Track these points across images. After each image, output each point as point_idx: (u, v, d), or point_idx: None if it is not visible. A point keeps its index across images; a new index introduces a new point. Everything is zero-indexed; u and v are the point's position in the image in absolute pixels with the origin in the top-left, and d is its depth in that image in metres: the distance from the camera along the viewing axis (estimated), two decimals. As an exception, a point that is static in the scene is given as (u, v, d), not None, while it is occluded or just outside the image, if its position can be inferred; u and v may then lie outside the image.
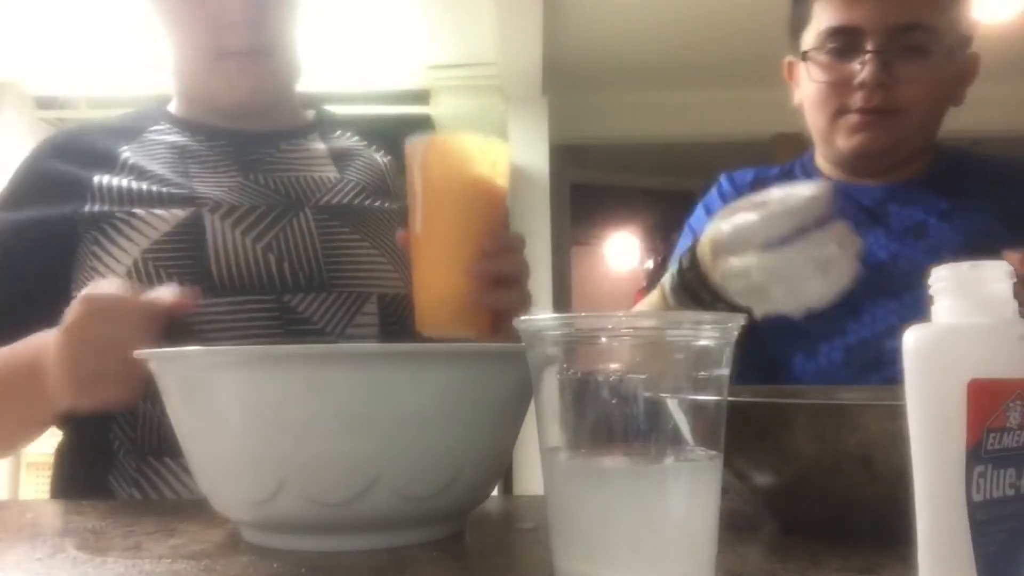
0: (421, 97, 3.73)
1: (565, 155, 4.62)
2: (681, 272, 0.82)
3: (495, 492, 0.65)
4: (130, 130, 0.97)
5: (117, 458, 0.85)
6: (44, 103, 3.59)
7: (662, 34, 3.63)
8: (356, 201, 0.94)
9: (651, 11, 3.42)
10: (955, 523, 0.35)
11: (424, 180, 0.73)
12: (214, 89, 0.94)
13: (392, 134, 1.03)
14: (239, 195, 0.90)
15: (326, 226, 0.91)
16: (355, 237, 0.91)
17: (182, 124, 0.98)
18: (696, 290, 0.79)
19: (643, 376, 0.42)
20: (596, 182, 5.51)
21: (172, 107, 1.02)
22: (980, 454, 0.35)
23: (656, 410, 0.42)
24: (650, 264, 6.27)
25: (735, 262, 0.74)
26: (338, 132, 1.04)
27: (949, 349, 0.36)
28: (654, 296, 0.90)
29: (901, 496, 0.38)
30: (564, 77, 3.88)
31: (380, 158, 1.02)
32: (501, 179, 0.74)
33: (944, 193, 1.11)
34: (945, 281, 0.38)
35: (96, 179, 0.90)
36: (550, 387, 0.44)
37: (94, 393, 0.73)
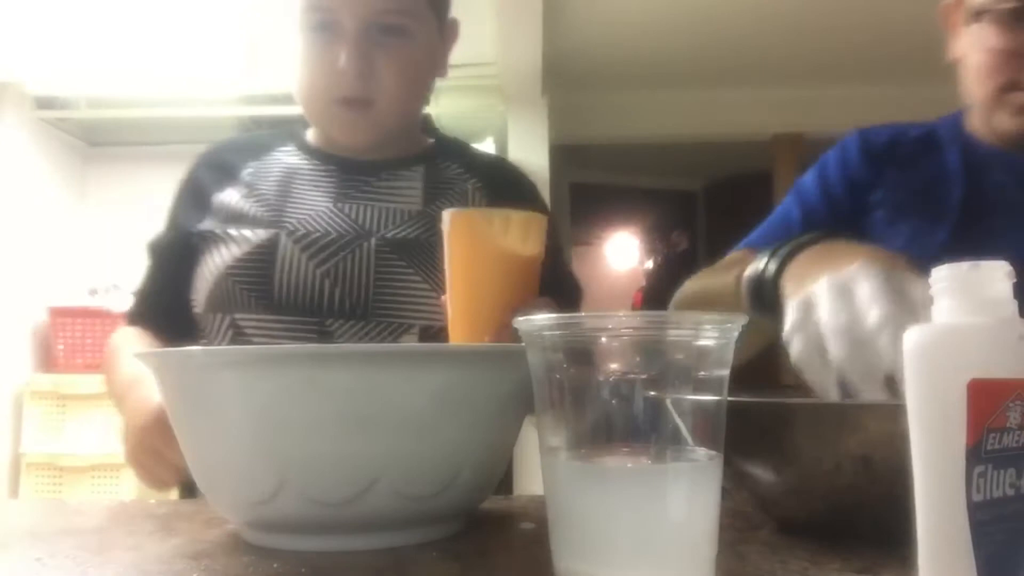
0: (421, 97, 3.73)
1: (565, 155, 4.62)
2: (761, 292, 0.78)
3: (495, 492, 0.65)
4: (262, 147, 1.08)
5: None
6: (44, 103, 3.59)
7: (662, 34, 3.63)
8: (423, 236, 1.00)
9: (651, 11, 3.42)
10: (955, 523, 0.35)
11: (448, 252, 0.77)
12: (326, 129, 1.04)
13: (494, 171, 1.12)
14: (320, 222, 0.99)
15: (385, 258, 0.97)
16: (409, 271, 0.97)
17: (304, 147, 1.09)
18: (767, 309, 0.77)
19: (643, 376, 0.42)
20: (596, 182, 5.51)
21: (308, 131, 1.11)
22: (980, 454, 0.35)
23: (656, 410, 0.42)
24: (650, 264, 6.26)
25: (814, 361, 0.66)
26: (446, 163, 1.10)
27: (949, 349, 0.36)
28: (727, 281, 0.87)
29: (901, 496, 0.38)
30: (564, 77, 3.88)
31: (473, 195, 1.08)
32: (530, 251, 0.77)
33: None
34: (945, 281, 0.38)
35: (216, 196, 1.03)
36: (550, 387, 0.44)
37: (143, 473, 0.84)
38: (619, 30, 3.56)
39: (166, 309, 1.02)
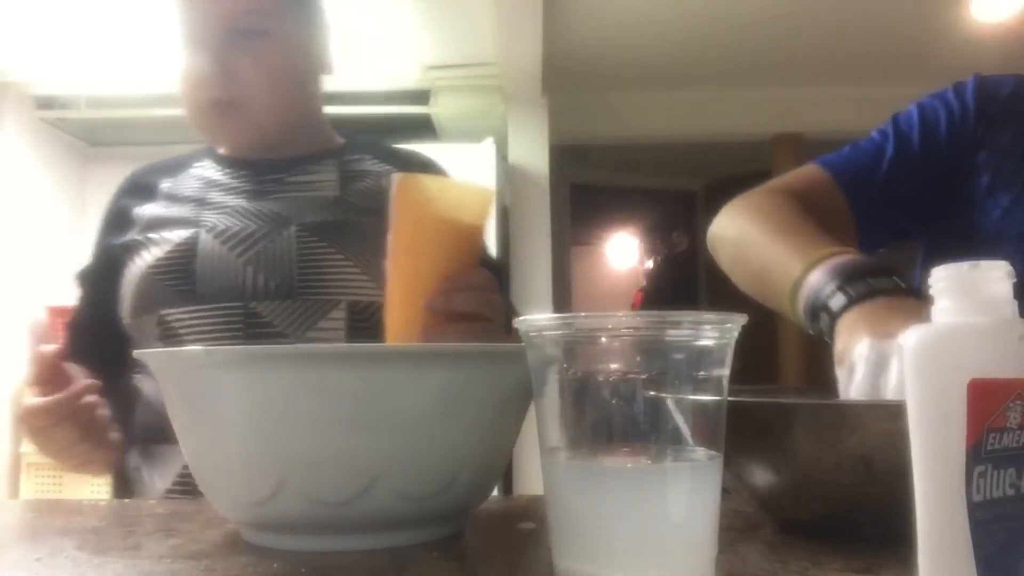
0: (421, 97, 3.73)
1: (565, 155, 4.63)
2: (817, 321, 0.76)
3: (495, 492, 0.65)
4: (178, 166, 1.12)
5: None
6: (44, 103, 3.59)
7: (662, 34, 3.63)
8: (342, 218, 1.03)
9: (651, 11, 3.42)
10: (955, 523, 0.35)
11: (392, 216, 0.78)
12: (207, 136, 1.08)
13: (410, 160, 1.15)
14: (238, 218, 1.03)
15: (306, 241, 1.01)
16: (331, 250, 1.00)
17: (217, 159, 1.12)
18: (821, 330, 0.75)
19: (643, 376, 0.42)
20: (596, 182, 5.51)
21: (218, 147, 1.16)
22: (980, 454, 0.35)
23: (656, 410, 0.42)
24: (650, 264, 6.26)
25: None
26: (358, 156, 1.13)
27: (949, 349, 0.36)
28: (788, 272, 0.80)
29: (901, 496, 0.38)
30: (564, 77, 3.88)
31: (387, 175, 1.08)
32: (471, 220, 0.77)
33: None
34: (945, 281, 0.38)
35: (136, 211, 1.07)
36: (550, 387, 0.44)
37: (71, 464, 0.93)
38: (619, 30, 3.56)
39: (100, 335, 1.05)
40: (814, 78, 4.14)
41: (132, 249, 1.03)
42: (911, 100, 1.03)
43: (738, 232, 0.97)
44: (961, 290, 0.37)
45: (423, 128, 3.82)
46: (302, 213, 1.03)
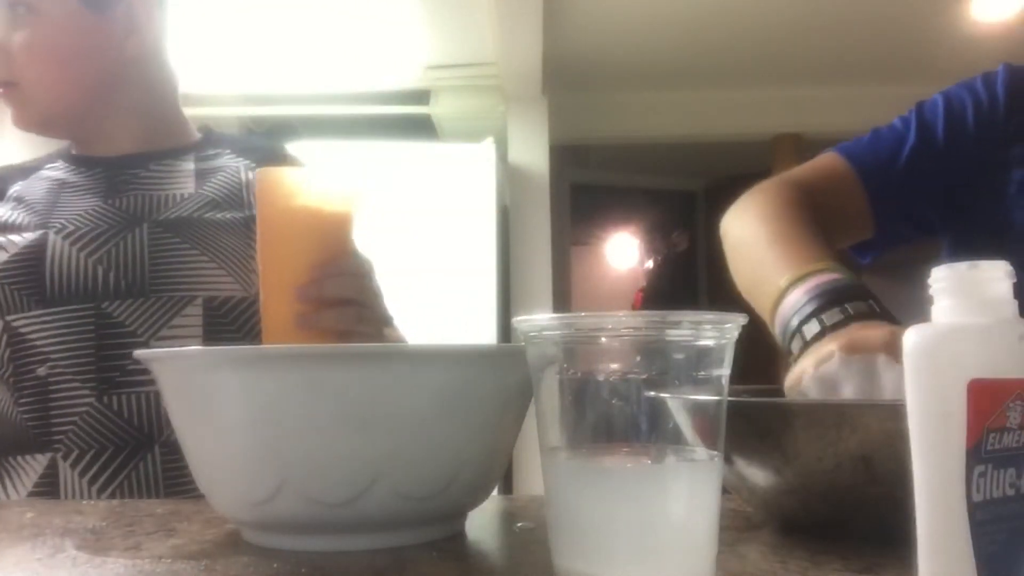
0: (421, 97, 3.73)
1: (565, 155, 4.63)
2: (784, 339, 0.76)
3: (495, 492, 0.65)
4: (29, 170, 1.09)
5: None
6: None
7: (662, 34, 3.63)
8: (197, 214, 1.02)
9: (651, 11, 3.42)
10: (955, 523, 0.35)
11: (258, 209, 0.79)
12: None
13: (269, 153, 1.14)
14: (88, 218, 1.00)
15: (159, 238, 0.99)
16: (185, 246, 0.99)
17: (70, 159, 1.10)
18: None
19: (643, 376, 0.42)
20: (596, 182, 5.51)
21: (72, 147, 1.13)
22: (980, 454, 0.35)
23: (656, 410, 0.42)
24: (650, 264, 6.27)
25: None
26: (215, 151, 1.12)
27: (949, 349, 0.36)
28: (775, 284, 0.80)
29: (901, 496, 0.38)
30: (564, 77, 3.88)
31: (244, 173, 1.10)
32: (336, 207, 0.79)
33: None
34: (945, 281, 0.38)
35: None
36: (550, 387, 0.44)
37: None
38: (619, 30, 3.56)
39: None
40: (814, 78, 4.14)
41: None
42: (911, 100, 1.02)
43: (739, 233, 0.95)
44: (961, 290, 0.37)
45: (423, 128, 3.83)
46: (155, 210, 1.02)
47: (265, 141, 1.20)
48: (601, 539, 0.42)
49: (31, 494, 0.93)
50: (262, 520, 0.56)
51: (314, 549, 0.54)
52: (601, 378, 0.42)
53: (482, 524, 0.63)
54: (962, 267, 0.37)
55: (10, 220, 1.01)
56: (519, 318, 0.45)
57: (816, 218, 0.89)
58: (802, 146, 4.46)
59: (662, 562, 0.42)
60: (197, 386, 0.55)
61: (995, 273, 0.37)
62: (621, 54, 3.82)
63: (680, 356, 0.42)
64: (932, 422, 0.36)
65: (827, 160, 0.99)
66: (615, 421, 0.42)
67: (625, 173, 5.63)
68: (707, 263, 5.88)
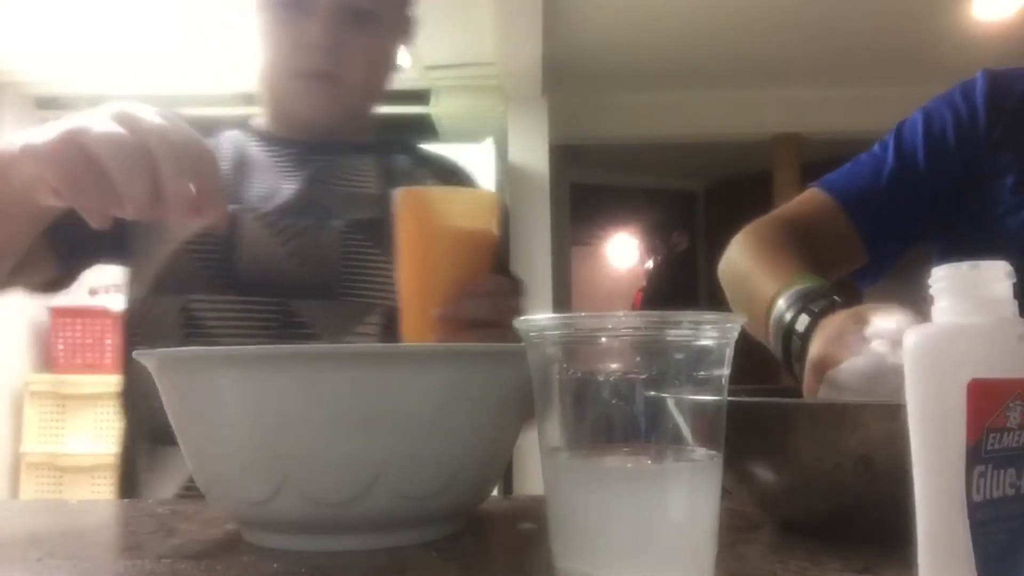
0: (421, 97, 3.73)
1: (565, 155, 4.63)
2: (788, 346, 0.76)
3: (495, 492, 0.65)
4: (209, 129, 1.03)
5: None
6: (44, 103, 3.59)
7: (662, 34, 3.63)
8: (384, 217, 0.99)
9: (651, 11, 3.42)
10: (955, 523, 0.35)
11: (398, 230, 0.77)
12: (288, 104, 1.02)
13: (440, 166, 1.12)
14: (283, 201, 0.96)
15: (351, 238, 0.96)
16: (376, 251, 0.96)
17: (253, 132, 1.07)
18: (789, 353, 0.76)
19: (643, 376, 0.42)
20: (596, 182, 5.51)
21: (255, 121, 1.11)
22: (980, 454, 0.35)
23: (656, 410, 0.42)
24: (650, 264, 6.27)
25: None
26: (396, 155, 1.10)
27: (949, 349, 0.36)
28: (764, 300, 0.81)
29: (901, 496, 0.38)
30: (564, 77, 3.88)
31: (423, 179, 1.07)
32: (478, 226, 0.76)
33: None
34: (945, 281, 0.38)
35: None
36: (550, 387, 0.44)
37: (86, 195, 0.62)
38: (619, 30, 3.56)
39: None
40: (814, 78, 4.14)
41: None
42: (911, 100, 1.01)
43: (733, 270, 0.98)
44: (961, 290, 0.37)
45: (423, 128, 3.82)
46: (346, 207, 0.98)
47: (438, 155, 1.18)
48: (601, 539, 0.42)
49: (181, 493, 0.88)
50: (262, 520, 0.56)
51: (314, 549, 0.54)
52: (601, 378, 0.42)
53: (482, 524, 0.63)
54: (962, 267, 0.37)
55: None
56: (519, 318, 0.45)
57: (805, 251, 0.92)
58: (802, 146, 4.46)
59: (662, 562, 0.42)
60: (197, 386, 0.55)
61: (995, 273, 0.37)
62: (621, 54, 3.82)
63: (680, 356, 0.42)
64: (932, 422, 0.36)
65: (810, 196, 1.02)
66: (615, 421, 0.42)
67: (625, 173, 5.63)
68: (707, 263, 5.88)
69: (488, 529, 0.62)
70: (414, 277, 0.77)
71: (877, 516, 0.52)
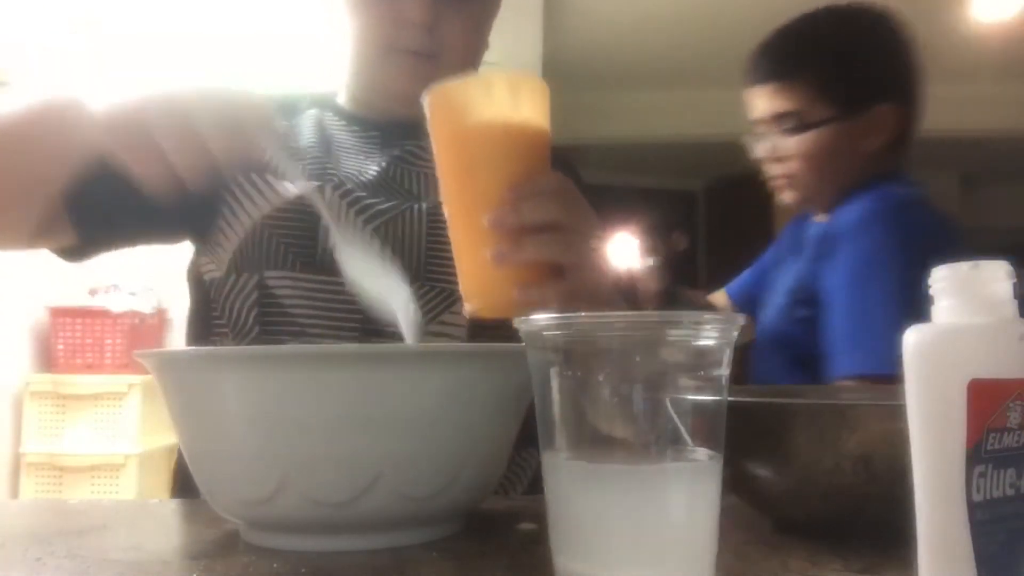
0: (421, 97, 3.72)
1: (565, 155, 4.62)
2: None
3: (495, 492, 0.65)
4: (292, 107, 1.01)
5: None
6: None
7: (662, 34, 3.63)
8: None
9: (651, 11, 3.42)
10: (955, 523, 0.35)
11: (433, 141, 0.67)
12: (381, 81, 0.98)
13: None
14: (366, 180, 0.93)
15: (437, 222, 0.91)
16: None
17: (338, 112, 1.02)
18: None
19: (643, 376, 0.42)
20: (596, 182, 5.50)
21: (338, 98, 1.06)
22: (980, 454, 0.35)
23: (656, 410, 0.42)
24: (650, 264, 6.26)
25: None
26: None
27: (949, 349, 0.36)
28: None
29: (901, 496, 0.38)
30: (564, 77, 3.88)
31: None
32: (524, 116, 0.66)
33: None
34: (945, 281, 0.38)
35: None
36: (550, 387, 0.44)
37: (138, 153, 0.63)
38: (619, 30, 3.56)
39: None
40: (814, 78, 4.14)
41: (236, 191, 0.89)
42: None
43: None
44: (961, 290, 0.37)
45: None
46: (429, 190, 0.94)
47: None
48: (601, 539, 0.42)
49: None
50: (262, 520, 0.56)
51: (314, 549, 0.54)
52: (601, 378, 0.42)
53: (482, 524, 0.63)
54: (963, 267, 0.37)
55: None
56: (519, 318, 0.45)
57: None
58: (802, 146, 4.46)
59: (662, 562, 0.42)
60: (197, 386, 0.55)
61: (995, 273, 0.37)
62: (621, 54, 3.82)
63: (680, 356, 0.42)
64: (932, 422, 0.36)
65: (716, 297, 1.39)
66: (615, 421, 0.42)
67: (625, 173, 5.63)
68: (707, 263, 5.88)
69: (488, 529, 0.62)
70: (456, 188, 0.67)
71: (877, 516, 0.52)
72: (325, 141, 0.97)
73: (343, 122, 1.01)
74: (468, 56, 0.96)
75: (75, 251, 0.89)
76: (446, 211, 0.69)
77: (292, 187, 0.88)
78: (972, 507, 0.35)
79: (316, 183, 0.88)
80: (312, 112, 1.01)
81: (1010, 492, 0.36)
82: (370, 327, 0.83)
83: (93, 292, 3.42)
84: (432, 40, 0.92)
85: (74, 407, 3.27)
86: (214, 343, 0.91)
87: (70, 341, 3.38)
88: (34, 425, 3.27)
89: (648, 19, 3.49)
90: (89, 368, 3.31)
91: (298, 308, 0.85)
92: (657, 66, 3.99)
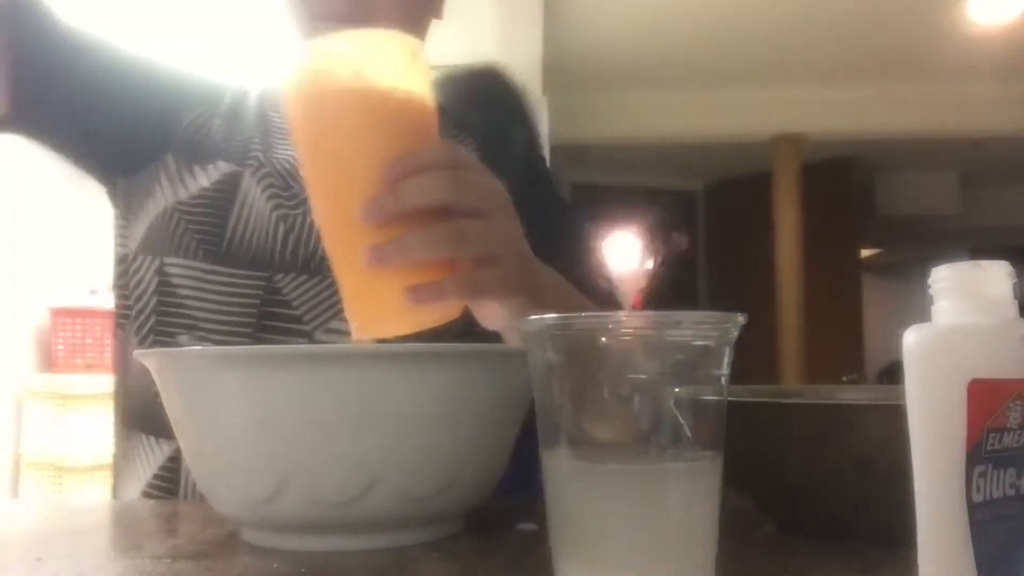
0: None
1: (565, 155, 4.63)
2: None
3: (495, 492, 0.65)
4: (239, 94, 0.93)
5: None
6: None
7: (662, 34, 3.63)
8: None
9: (651, 11, 3.42)
10: (955, 523, 0.35)
11: (288, 119, 0.57)
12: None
13: (485, 127, 1.00)
14: (293, 168, 0.84)
15: None
16: None
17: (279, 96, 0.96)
18: None
19: (643, 376, 0.42)
20: (596, 182, 5.51)
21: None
22: (980, 454, 0.35)
23: (656, 410, 0.42)
24: (650, 264, 6.26)
25: None
26: (453, 131, 0.97)
27: (949, 349, 0.36)
28: None
29: (901, 496, 0.38)
30: (564, 77, 3.88)
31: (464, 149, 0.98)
32: (394, 83, 0.55)
33: None
34: (945, 281, 0.38)
35: (189, 117, 0.87)
36: (550, 387, 0.44)
37: None
38: (619, 30, 3.56)
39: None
40: (814, 78, 4.15)
41: (167, 165, 0.85)
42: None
43: None
44: (961, 290, 0.37)
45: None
46: None
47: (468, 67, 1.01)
48: (601, 539, 0.42)
49: (147, 489, 0.80)
50: (262, 520, 0.56)
51: (314, 549, 0.54)
52: (601, 378, 0.42)
53: (482, 524, 0.63)
54: (963, 267, 0.37)
55: (210, 144, 0.85)
56: (519, 318, 0.45)
57: None
58: (802, 146, 4.47)
59: (662, 562, 0.42)
60: (197, 386, 0.55)
61: (996, 273, 0.37)
62: (621, 54, 3.82)
63: (680, 356, 0.42)
64: (932, 422, 0.36)
65: None
66: (615, 421, 0.42)
67: (625, 173, 5.63)
68: (707, 263, 5.88)
69: (488, 529, 0.62)
70: (321, 174, 0.56)
71: (877, 516, 0.52)
72: (263, 126, 0.88)
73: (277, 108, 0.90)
74: (406, 21, 0.80)
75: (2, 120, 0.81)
76: (313, 209, 0.59)
77: (211, 174, 0.82)
78: (972, 507, 0.35)
79: (236, 167, 0.82)
80: (256, 96, 0.93)
81: (1010, 492, 0.36)
82: (265, 324, 0.78)
83: (93, 292, 3.42)
84: (356, 5, 0.80)
85: (74, 407, 3.27)
86: (122, 327, 0.86)
87: (70, 341, 3.38)
88: (34, 425, 3.27)
89: (648, 19, 3.49)
90: (89, 368, 3.31)
91: (193, 300, 0.79)
92: (657, 66, 3.99)
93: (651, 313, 0.41)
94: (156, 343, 0.81)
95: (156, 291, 0.81)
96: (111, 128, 0.85)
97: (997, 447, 0.35)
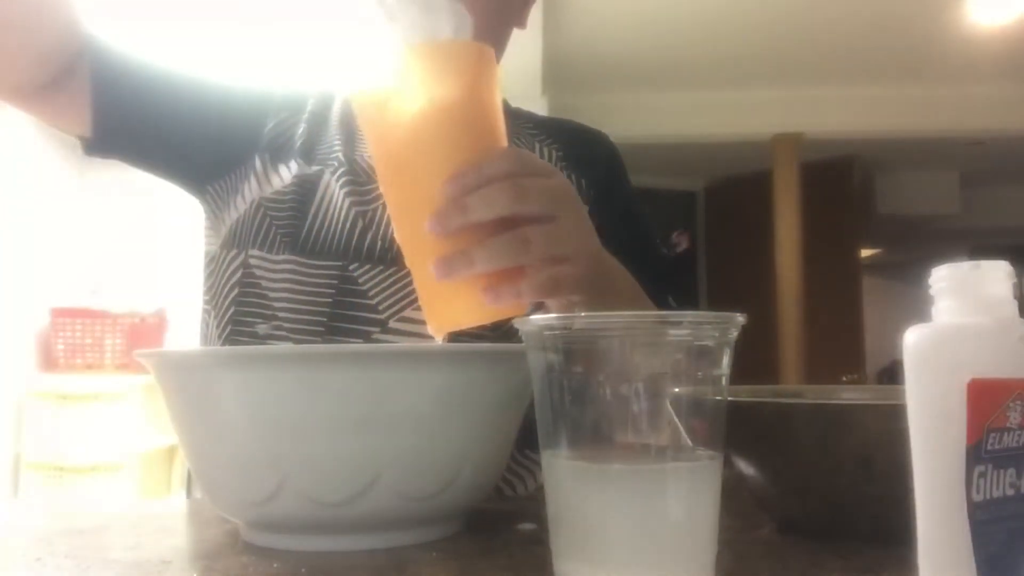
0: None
1: (565, 155, 4.63)
2: None
3: (495, 492, 0.65)
4: (326, 98, 0.97)
5: None
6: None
7: (662, 34, 3.63)
8: None
9: (652, 11, 3.42)
10: (955, 523, 0.35)
11: (367, 139, 0.61)
12: None
13: (568, 131, 1.04)
14: (371, 164, 0.86)
15: None
16: None
17: None
18: None
19: (643, 376, 0.42)
20: (596, 182, 5.50)
21: None
22: (980, 454, 0.35)
23: (656, 410, 0.42)
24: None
25: None
26: (514, 120, 1.00)
27: (949, 349, 0.36)
28: None
29: (901, 496, 0.38)
30: (564, 77, 3.88)
31: (542, 148, 0.99)
32: (449, 90, 0.56)
33: None
34: (945, 281, 0.38)
35: (273, 124, 0.90)
36: (550, 387, 0.44)
37: None
38: (619, 30, 3.56)
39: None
40: (814, 78, 4.15)
41: (259, 155, 0.88)
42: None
43: None
44: (961, 290, 0.37)
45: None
46: None
47: (562, 120, 1.06)
48: (601, 539, 0.42)
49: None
50: (262, 520, 0.56)
51: (314, 549, 0.54)
52: (601, 378, 0.42)
53: (482, 524, 0.63)
54: (963, 267, 0.37)
55: (298, 144, 0.88)
56: (519, 318, 0.45)
57: None
58: (802, 146, 4.47)
59: (662, 562, 0.42)
60: (197, 386, 0.55)
61: (996, 273, 0.37)
62: (621, 54, 3.82)
63: (680, 356, 0.42)
64: (932, 422, 0.36)
65: None
66: (615, 421, 0.42)
67: (625, 173, 5.62)
68: (707, 263, 5.88)
69: (488, 529, 0.62)
70: (392, 189, 0.59)
71: (877, 516, 0.52)
72: (345, 129, 0.92)
73: None
74: (487, 31, 0.82)
75: (90, 144, 0.86)
76: (393, 223, 0.62)
77: (294, 172, 0.86)
78: (972, 507, 0.35)
79: (318, 166, 0.86)
80: (339, 101, 0.97)
81: (1010, 492, 0.36)
82: (340, 313, 0.80)
83: (94, 292, 3.42)
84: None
85: (74, 407, 3.27)
86: (206, 323, 0.89)
87: (70, 341, 3.38)
88: (34, 425, 3.27)
89: (648, 20, 3.49)
90: (89, 368, 3.31)
91: (272, 290, 0.82)
92: (657, 66, 3.99)
93: (651, 313, 0.41)
94: (234, 332, 0.83)
95: (238, 282, 0.83)
96: (194, 146, 0.87)
97: (997, 447, 0.35)
